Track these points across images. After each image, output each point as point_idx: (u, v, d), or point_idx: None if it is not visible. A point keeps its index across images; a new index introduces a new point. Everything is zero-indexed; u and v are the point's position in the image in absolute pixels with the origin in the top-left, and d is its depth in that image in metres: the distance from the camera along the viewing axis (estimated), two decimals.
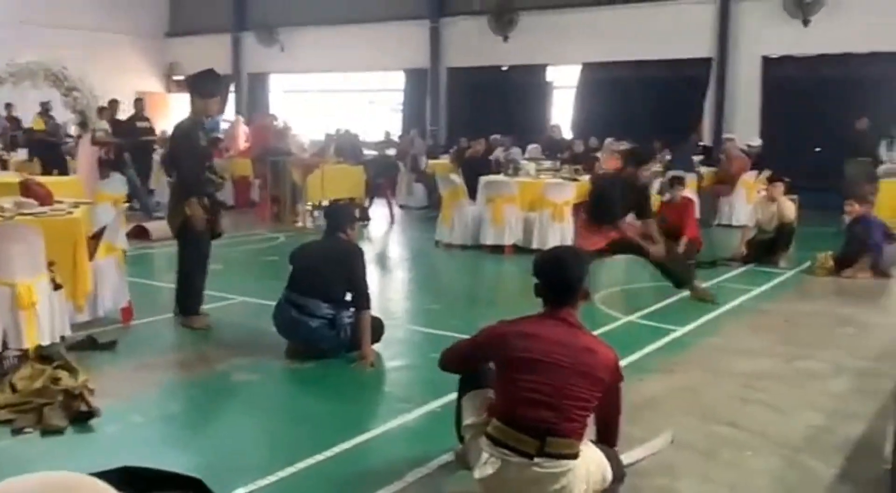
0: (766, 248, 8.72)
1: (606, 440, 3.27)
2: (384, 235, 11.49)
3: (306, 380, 4.85)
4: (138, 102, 13.45)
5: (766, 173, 10.91)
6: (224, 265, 8.13)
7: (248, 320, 6.09)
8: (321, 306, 4.93)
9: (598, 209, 6.94)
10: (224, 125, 16.81)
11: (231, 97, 21.86)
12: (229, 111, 20.49)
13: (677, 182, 9.17)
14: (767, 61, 14.89)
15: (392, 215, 12.25)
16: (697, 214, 9.79)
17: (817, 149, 13.78)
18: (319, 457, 3.62)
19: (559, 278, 3.16)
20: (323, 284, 4.98)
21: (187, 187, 5.68)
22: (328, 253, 5.12)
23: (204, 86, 5.78)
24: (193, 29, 22.24)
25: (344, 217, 5.31)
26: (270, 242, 10.08)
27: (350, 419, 4.21)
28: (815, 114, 14.05)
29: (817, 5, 14.00)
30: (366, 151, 14.17)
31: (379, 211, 12.43)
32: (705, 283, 7.67)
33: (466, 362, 3.35)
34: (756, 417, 4.19)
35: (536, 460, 2.91)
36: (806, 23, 14.17)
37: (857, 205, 8.33)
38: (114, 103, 12.47)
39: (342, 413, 4.32)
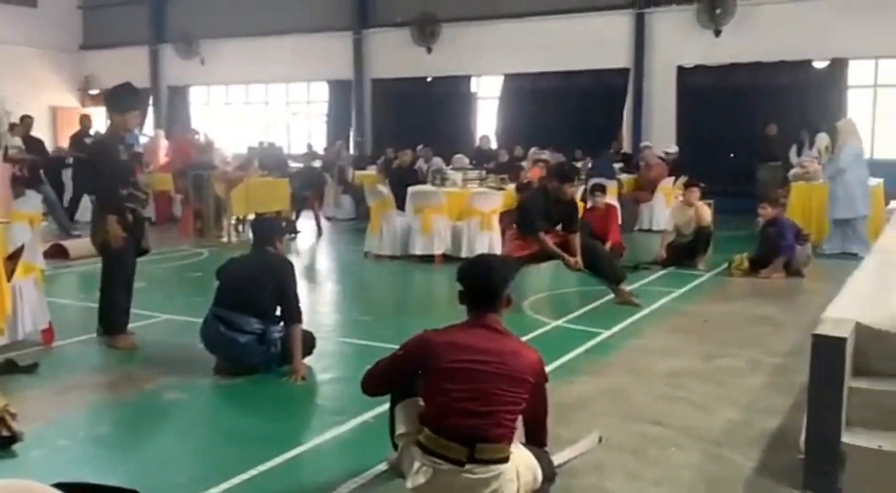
0: (686, 251, 9.02)
1: (536, 440, 3.35)
2: (312, 247, 11.43)
3: (236, 396, 4.80)
4: (85, 119, 12.95)
5: (683, 179, 11.29)
6: (147, 283, 7.95)
7: (175, 337, 5.99)
8: (250, 321, 4.89)
9: (523, 221, 7.12)
10: (143, 139, 16.47)
11: (150, 111, 21.55)
12: (148, 125, 20.21)
13: (598, 190, 9.41)
14: (682, 71, 15.39)
15: (319, 228, 12.19)
16: (619, 220, 10.06)
17: (731, 155, 14.31)
18: (253, 472, 3.60)
19: (483, 283, 3.22)
20: (252, 298, 4.95)
21: (105, 204, 5.56)
22: (257, 267, 5.08)
23: (121, 100, 5.69)
24: (109, 41, 21.70)
25: (272, 230, 5.29)
26: (194, 257, 9.91)
27: (282, 433, 4.19)
28: (728, 121, 14.60)
29: (728, 16, 14.55)
30: (291, 164, 14.08)
31: (306, 224, 12.35)
32: (628, 286, 7.89)
33: (390, 382, 3.32)
34: (679, 414, 4.34)
35: (467, 466, 2.96)
36: (717, 33, 14.71)
37: (769, 208, 8.68)
38: (27, 119, 12.10)
39: (274, 429, 4.30)
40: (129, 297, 5.79)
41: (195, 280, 8.38)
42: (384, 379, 3.34)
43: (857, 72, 14.42)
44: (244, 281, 5.01)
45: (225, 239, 10.98)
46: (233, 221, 11.44)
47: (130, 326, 5.89)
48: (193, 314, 5.63)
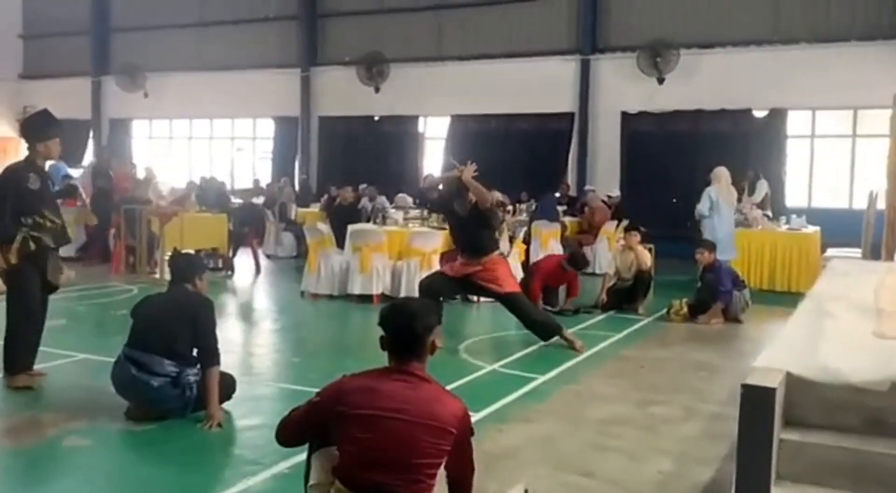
0: (626, 295, 8.98)
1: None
2: (248, 285, 11.12)
3: (146, 444, 4.51)
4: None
5: (625, 223, 11.32)
6: (69, 320, 7.63)
7: (88, 379, 5.67)
8: (164, 362, 4.62)
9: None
10: (77, 172, 16.03)
11: (90, 143, 21.07)
12: (87, 157, 19.75)
13: (575, 266, 9.06)
14: (626, 116, 15.58)
15: (258, 265, 11.91)
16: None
17: (673, 199, 14.44)
18: None
19: (406, 330, 3.00)
20: (166, 339, 4.68)
21: (1, 233, 5.28)
22: (173, 305, 4.83)
23: (39, 128, 5.46)
24: (50, 71, 21.26)
25: (191, 267, 5.05)
26: (123, 294, 9.54)
27: (192, 485, 3.94)
28: (671, 166, 14.77)
29: (671, 64, 14.81)
30: (233, 199, 13.80)
31: (244, 261, 12.05)
32: (569, 330, 7.78)
33: (306, 431, 3.08)
34: (610, 465, 4.19)
35: None
36: (661, 81, 14.95)
37: (706, 253, 8.70)
38: None
39: (184, 479, 4.03)
40: (33, 333, 5.46)
41: (120, 318, 7.96)
42: (299, 428, 3.10)
43: (796, 122, 14.76)
44: (159, 320, 4.75)
45: (157, 275, 10.63)
46: (166, 257, 11.08)
47: (43, 366, 5.57)
48: (113, 354, 5.29)
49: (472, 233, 7.04)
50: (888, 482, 3.15)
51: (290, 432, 3.13)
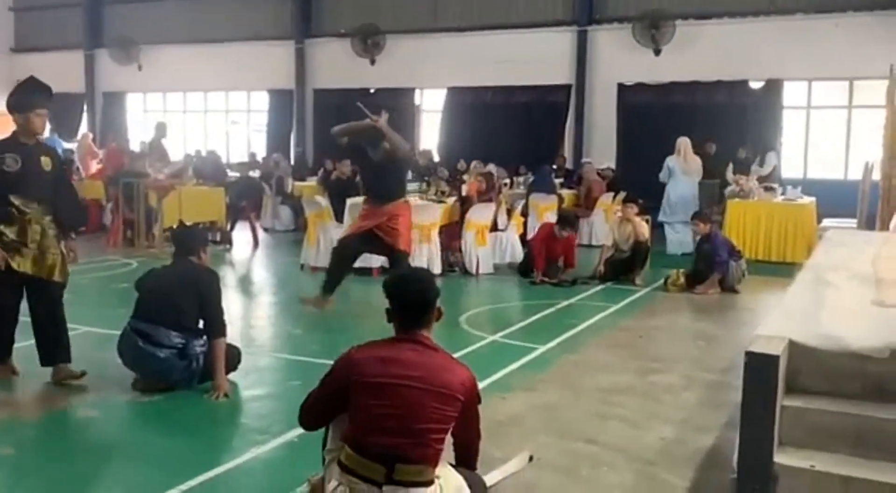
0: (623, 266, 9.02)
1: (466, 463, 3.20)
2: (247, 259, 11.14)
3: (154, 414, 4.56)
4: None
5: (622, 195, 11.36)
6: (70, 294, 7.58)
7: (93, 352, 5.66)
8: (170, 334, 4.66)
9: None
10: (70, 145, 15.97)
11: (84, 117, 20.94)
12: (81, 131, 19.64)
13: (568, 225, 9.28)
14: (622, 88, 15.55)
15: (256, 239, 11.91)
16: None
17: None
18: None
19: (414, 299, 3.04)
20: (172, 311, 4.72)
21: None
22: (178, 278, 4.86)
23: (22, 98, 4.84)
24: (43, 45, 21.04)
25: (195, 240, 5.06)
26: (123, 268, 9.56)
27: (201, 453, 3.98)
28: (667, 138, 14.69)
29: (667, 36, 14.75)
30: (229, 173, 13.77)
31: (242, 234, 12.06)
32: (567, 301, 7.87)
33: (326, 409, 3.06)
34: (613, 432, 4.26)
35: (385, 488, 2.80)
36: (657, 52, 14.90)
37: (702, 224, 8.74)
38: None
39: (192, 448, 4.09)
40: (6, 326, 4.99)
41: (121, 291, 8.02)
42: (319, 409, 3.09)
43: (792, 93, 14.76)
44: (164, 293, 4.78)
45: (156, 249, 10.63)
46: (164, 231, 11.09)
47: None
48: (117, 327, 5.32)
49: (383, 179, 7.15)
50: (889, 447, 3.22)
51: (312, 414, 3.12)
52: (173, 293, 4.78)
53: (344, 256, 7.21)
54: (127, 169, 11.74)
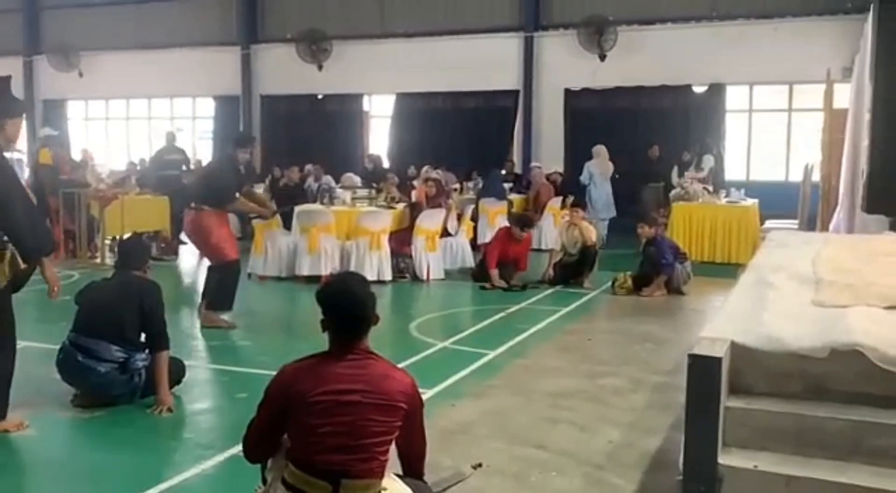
0: (572, 270, 9.09)
1: (412, 472, 3.17)
2: (193, 268, 10.94)
3: (94, 431, 4.44)
4: None
5: (570, 199, 11.46)
6: None
7: (30, 367, 5.45)
8: (111, 348, 4.55)
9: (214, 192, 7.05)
10: (15, 156, 15.51)
11: (23, 125, 20.39)
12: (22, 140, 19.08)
13: (526, 225, 9.38)
14: (569, 93, 15.69)
15: None
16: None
17: (616, 175, 14.62)
18: None
19: (351, 312, 2.90)
20: (114, 324, 4.60)
21: None
22: (120, 291, 4.74)
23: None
24: None
25: (138, 252, 4.98)
26: (64, 280, 9.12)
27: (144, 470, 3.88)
28: (613, 142, 14.87)
29: (611, 42, 14.94)
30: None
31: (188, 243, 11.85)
32: (517, 306, 7.90)
33: (270, 436, 2.92)
34: (562, 436, 4.27)
35: None
36: (602, 58, 15.07)
37: (646, 227, 8.86)
38: None
39: (135, 464, 3.98)
40: None
41: (62, 305, 7.69)
42: (262, 436, 2.95)
43: (734, 97, 15.07)
44: (106, 306, 4.67)
45: (98, 260, 10.39)
46: (108, 241, 10.85)
47: None
48: (55, 342, 5.18)
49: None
50: (830, 445, 3.28)
51: (256, 443, 2.97)
52: (115, 306, 4.67)
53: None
54: (67, 178, 11.44)
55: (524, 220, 9.47)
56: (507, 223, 11.55)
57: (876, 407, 3.32)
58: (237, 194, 7.28)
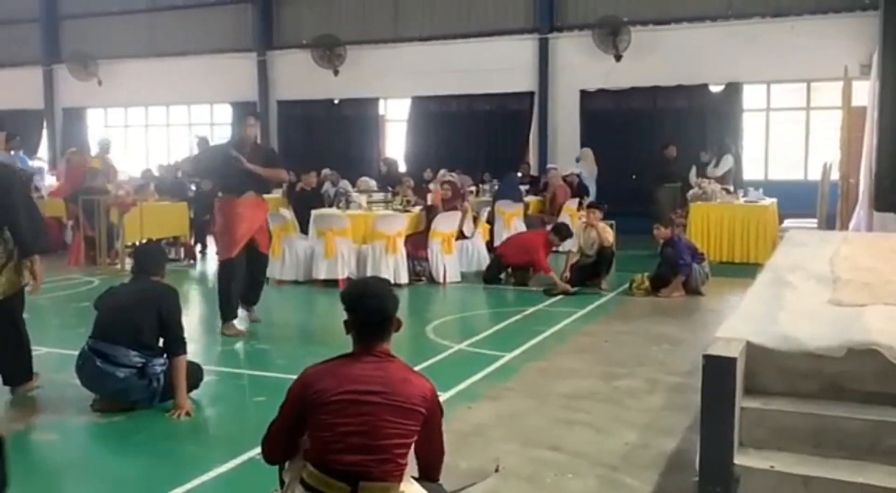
0: (589, 271, 9.07)
1: (429, 476, 3.17)
2: (212, 274, 10.99)
3: (114, 435, 4.48)
4: None
5: (587, 200, 11.44)
6: (30, 314, 7.42)
7: (52, 372, 5.56)
8: (129, 353, 4.59)
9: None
10: (36, 163, 15.73)
11: (44, 134, 20.64)
12: (43, 149, 19.35)
13: (566, 235, 9.51)
14: (584, 94, 15.66)
15: None
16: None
17: (632, 176, 14.59)
18: None
19: (374, 312, 2.95)
20: (132, 330, 4.64)
21: None
22: (138, 296, 4.78)
23: None
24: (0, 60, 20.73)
25: (155, 258, 5.02)
26: (84, 286, 9.41)
27: (162, 474, 3.91)
28: (629, 143, 14.90)
29: (625, 42, 14.89)
30: (192, 187, 13.60)
31: (207, 249, 11.94)
32: (534, 308, 7.89)
33: (292, 436, 2.96)
34: (577, 438, 4.27)
35: None
36: (618, 58, 15.02)
37: (663, 228, 8.82)
38: None
39: (153, 469, 4.02)
40: None
41: (83, 310, 7.88)
42: (283, 438, 2.99)
43: (751, 96, 14.97)
44: (124, 311, 4.70)
45: (118, 266, 10.49)
46: (127, 248, 10.94)
47: None
48: (76, 347, 5.24)
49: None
50: (847, 445, 3.26)
51: (276, 443, 3.01)
52: (132, 312, 4.71)
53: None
54: (86, 185, 11.57)
55: (564, 231, 9.47)
56: (523, 226, 11.60)
57: (894, 407, 3.30)
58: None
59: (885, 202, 7.35)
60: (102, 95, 19.83)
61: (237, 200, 6.80)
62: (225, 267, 6.98)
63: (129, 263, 10.66)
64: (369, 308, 2.95)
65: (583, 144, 15.53)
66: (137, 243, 10.93)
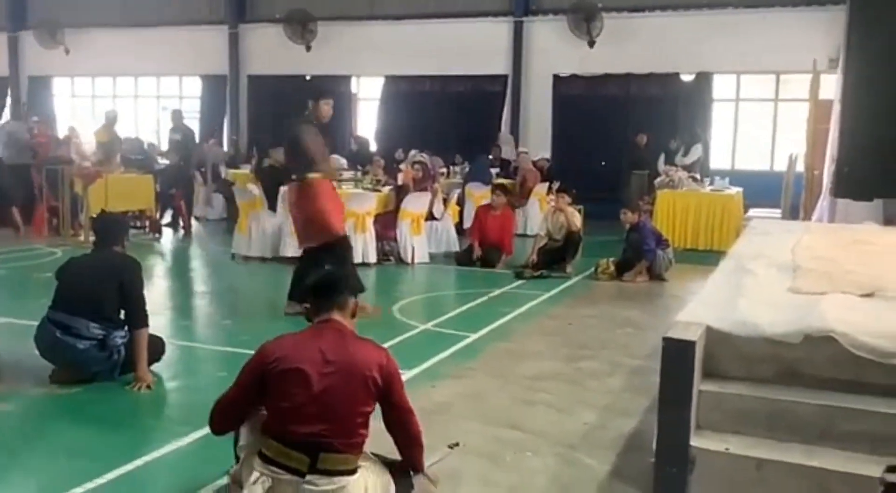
0: (556, 255, 9.11)
1: (411, 458, 3.14)
2: (177, 248, 10.92)
3: (72, 407, 4.43)
4: None
5: (556, 185, 11.47)
6: None
7: (10, 343, 5.47)
8: (90, 325, 4.53)
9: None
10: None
11: (7, 101, 20.21)
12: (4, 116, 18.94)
13: (500, 189, 9.66)
14: (557, 79, 15.67)
15: (187, 227, 11.68)
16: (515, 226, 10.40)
17: (602, 162, 14.67)
18: (87, 486, 3.35)
19: (323, 280, 3.14)
20: (92, 301, 4.58)
21: None
22: (99, 268, 4.72)
23: None
24: None
25: (116, 228, 4.94)
26: (47, 257, 9.26)
27: (120, 446, 3.88)
28: (600, 129, 14.97)
29: (599, 28, 14.90)
30: (160, 160, 13.43)
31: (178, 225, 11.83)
32: (500, 289, 7.91)
33: (239, 408, 3.02)
34: (538, 418, 4.30)
35: (308, 477, 2.79)
36: (592, 44, 15.04)
37: (629, 213, 8.90)
38: None
39: (112, 441, 3.98)
40: None
41: (44, 281, 7.73)
42: (231, 409, 3.04)
43: (721, 86, 15.09)
44: (84, 282, 4.65)
45: (81, 238, 10.34)
46: (91, 219, 10.79)
47: None
48: (35, 318, 5.15)
49: None
50: (801, 429, 3.32)
51: (225, 416, 3.06)
52: (93, 283, 4.65)
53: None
54: (51, 155, 11.36)
55: (502, 186, 9.66)
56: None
57: (847, 392, 3.37)
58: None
59: (842, 189, 7.50)
60: (69, 63, 19.44)
61: (322, 181, 6.49)
62: (342, 244, 6.47)
63: (92, 234, 10.55)
64: (320, 279, 3.16)
65: (555, 129, 15.58)
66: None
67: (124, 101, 20.04)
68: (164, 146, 14.36)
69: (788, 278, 4.49)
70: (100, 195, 10.24)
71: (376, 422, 3.03)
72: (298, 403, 2.83)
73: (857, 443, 3.22)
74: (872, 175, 7.13)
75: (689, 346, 3.28)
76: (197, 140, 16.80)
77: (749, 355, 3.55)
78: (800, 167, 10.67)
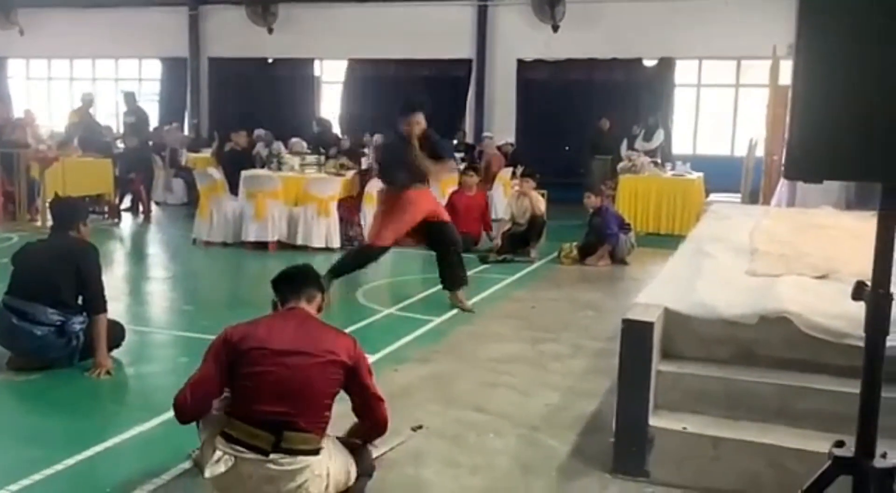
0: (520, 239, 9.16)
1: (370, 440, 3.23)
2: (136, 233, 10.77)
3: (30, 394, 4.38)
4: None
5: (520, 170, 11.53)
6: None
7: None
8: (47, 311, 4.47)
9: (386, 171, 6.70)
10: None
11: None
12: None
13: (472, 170, 9.72)
14: (521, 64, 15.70)
15: (146, 212, 11.53)
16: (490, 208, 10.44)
17: (566, 147, 14.74)
18: (46, 472, 3.32)
19: (289, 271, 3.23)
20: (49, 287, 4.51)
21: None
22: (56, 253, 4.64)
23: None
24: None
25: (74, 212, 4.85)
26: (3, 243, 9.07)
27: (80, 432, 3.84)
28: (564, 114, 15.03)
29: (562, 13, 14.93)
30: (118, 144, 13.22)
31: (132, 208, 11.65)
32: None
33: (210, 387, 2.95)
34: (500, 400, 4.34)
35: (271, 456, 2.79)
36: (555, 28, 15.07)
37: (593, 197, 8.98)
38: None
39: (70, 427, 3.94)
40: None
41: (0, 268, 7.66)
42: (197, 391, 2.96)
43: (683, 71, 15.24)
44: (41, 268, 4.57)
45: (38, 223, 10.14)
46: (48, 204, 10.59)
47: None
48: None
49: None
50: (757, 408, 3.40)
51: (192, 397, 2.95)
52: (50, 269, 4.57)
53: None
54: (5, 139, 11.11)
55: (474, 167, 9.81)
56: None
57: (801, 372, 3.46)
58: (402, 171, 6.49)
59: (794, 171, 7.59)
60: (24, 45, 18.98)
61: (406, 193, 6.42)
62: (374, 250, 6.57)
63: (49, 220, 10.37)
64: (286, 271, 3.25)
65: (519, 114, 15.62)
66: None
67: (81, 84, 19.63)
68: (121, 129, 14.15)
69: (746, 261, 4.58)
70: (57, 180, 10.05)
71: (338, 406, 3.03)
72: (264, 382, 2.84)
73: (810, 421, 3.30)
74: (823, 158, 7.23)
75: (647, 327, 3.33)
76: (157, 123, 16.63)
77: (706, 336, 3.62)
78: (759, 152, 10.84)
